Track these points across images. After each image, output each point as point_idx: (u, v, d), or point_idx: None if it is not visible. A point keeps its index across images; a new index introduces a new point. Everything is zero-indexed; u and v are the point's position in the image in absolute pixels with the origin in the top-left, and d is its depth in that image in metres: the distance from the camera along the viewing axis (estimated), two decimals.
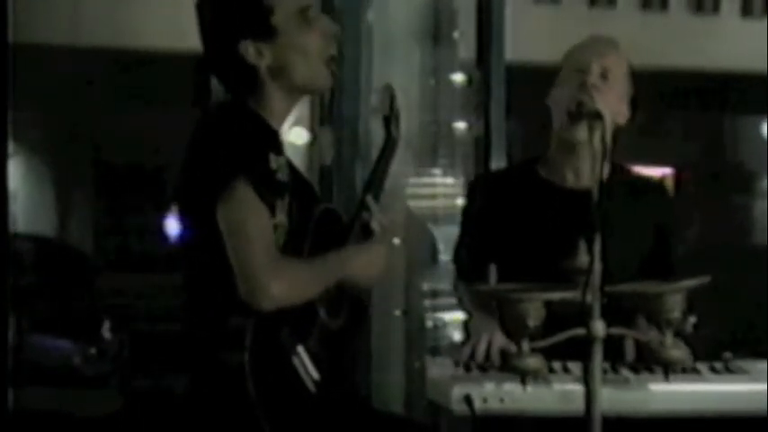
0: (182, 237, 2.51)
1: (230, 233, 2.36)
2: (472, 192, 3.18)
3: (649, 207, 2.98)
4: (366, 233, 2.60)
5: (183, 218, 2.51)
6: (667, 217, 3.01)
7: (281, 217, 2.43)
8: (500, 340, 2.70)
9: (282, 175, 2.45)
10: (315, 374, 2.44)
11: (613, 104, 2.81)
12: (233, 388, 2.35)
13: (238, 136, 2.42)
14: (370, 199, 2.60)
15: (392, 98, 2.69)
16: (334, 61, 2.55)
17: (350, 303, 2.59)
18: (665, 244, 2.98)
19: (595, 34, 3.05)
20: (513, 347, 2.62)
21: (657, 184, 3.14)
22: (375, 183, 2.68)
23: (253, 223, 2.35)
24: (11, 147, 4.77)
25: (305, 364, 2.43)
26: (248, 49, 2.46)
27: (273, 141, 2.49)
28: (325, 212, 2.59)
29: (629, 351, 2.79)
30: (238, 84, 2.52)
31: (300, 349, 2.43)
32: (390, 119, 2.69)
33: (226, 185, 2.35)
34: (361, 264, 2.53)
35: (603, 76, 2.88)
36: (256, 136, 2.45)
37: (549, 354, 2.34)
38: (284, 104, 2.56)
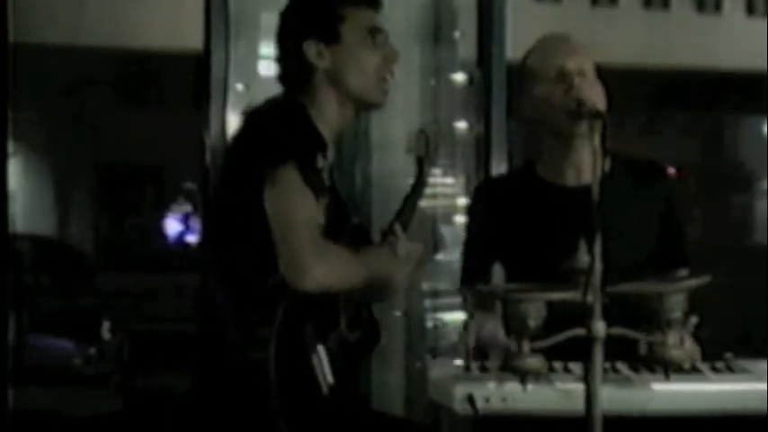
0: (217, 227, 2.59)
1: (277, 216, 2.41)
2: (476, 195, 3.20)
3: (655, 193, 2.98)
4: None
5: (222, 206, 2.57)
6: (674, 199, 3.01)
7: (320, 218, 2.47)
8: (490, 327, 2.72)
9: (326, 179, 2.51)
10: (330, 378, 2.49)
11: (598, 97, 2.85)
12: (253, 380, 2.39)
13: (291, 126, 2.51)
14: (398, 226, 2.69)
15: (427, 143, 2.80)
16: (388, 81, 2.71)
17: (367, 319, 2.68)
18: (676, 228, 2.98)
19: (548, 34, 3.07)
20: (502, 333, 2.64)
21: (660, 170, 3.11)
22: (404, 214, 2.77)
23: (300, 206, 2.41)
24: (11, 147, 4.77)
25: (322, 365, 2.49)
26: (311, 48, 2.61)
27: (322, 145, 2.55)
28: (355, 228, 2.70)
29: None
30: (294, 81, 2.63)
31: (321, 349, 2.47)
32: (424, 161, 2.80)
33: (275, 169, 2.41)
34: (393, 266, 2.62)
35: (580, 74, 2.90)
36: (308, 132, 2.53)
37: (552, 354, 2.34)
38: (337, 113, 2.65)
